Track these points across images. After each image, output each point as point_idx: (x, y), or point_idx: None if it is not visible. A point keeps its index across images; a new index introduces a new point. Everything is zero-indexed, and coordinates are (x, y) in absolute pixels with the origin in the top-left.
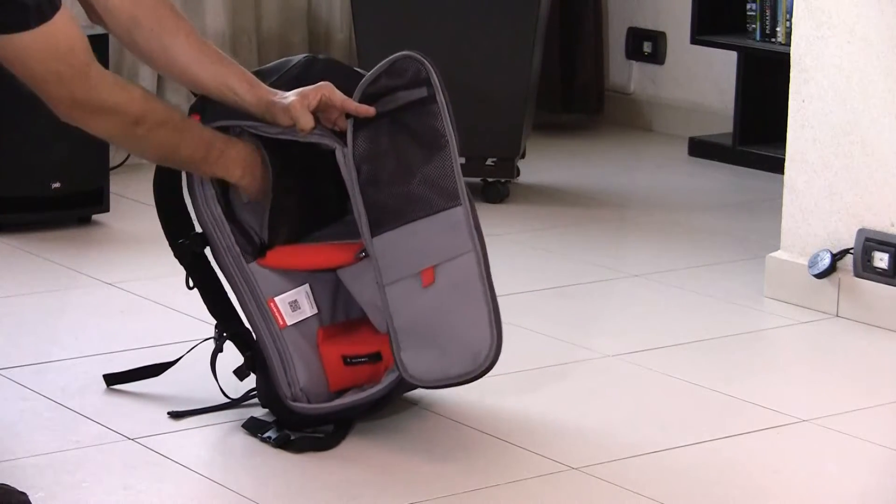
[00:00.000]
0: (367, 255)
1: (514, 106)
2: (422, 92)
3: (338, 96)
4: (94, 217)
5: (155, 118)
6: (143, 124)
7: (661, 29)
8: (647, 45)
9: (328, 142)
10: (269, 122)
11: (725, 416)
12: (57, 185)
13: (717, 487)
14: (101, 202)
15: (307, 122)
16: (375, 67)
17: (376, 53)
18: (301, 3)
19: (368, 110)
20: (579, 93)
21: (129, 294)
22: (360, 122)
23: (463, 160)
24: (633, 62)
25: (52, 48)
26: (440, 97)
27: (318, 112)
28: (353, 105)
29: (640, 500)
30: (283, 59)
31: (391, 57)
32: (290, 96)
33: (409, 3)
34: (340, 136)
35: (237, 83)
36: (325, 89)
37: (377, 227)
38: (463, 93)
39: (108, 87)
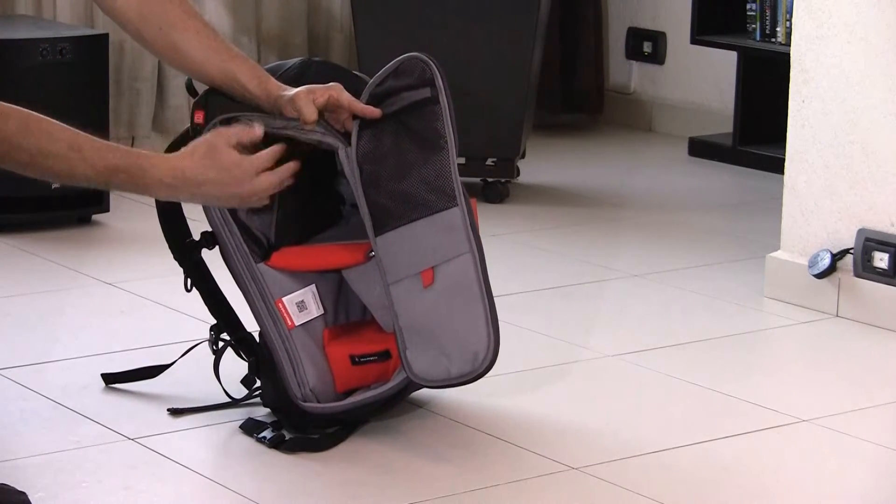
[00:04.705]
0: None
1: (514, 106)
2: (425, 92)
3: (346, 97)
4: (94, 217)
5: (30, 151)
6: (20, 155)
7: (661, 29)
8: (647, 45)
9: (331, 141)
10: (275, 115)
11: (725, 416)
12: (57, 185)
13: (717, 487)
14: (101, 202)
15: (310, 113)
16: (383, 69)
17: (376, 53)
18: (301, 3)
19: (374, 112)
20: (579, 93)
21: (129, 294)
22: (365, 123)
23: (463, 160)
24: (633, 62)
25: None
26: (443, 98)
27: (327, 112)
28: (360, 106)
29: (640, 500)
30: (278, 62)
31: (399, 58)
32: (299, 90)
33: (409, 4)
34: (345, 135)
35: (246, 78)
36: (334, 90)
37: (380, 227)
38: (463, 93)
39: None
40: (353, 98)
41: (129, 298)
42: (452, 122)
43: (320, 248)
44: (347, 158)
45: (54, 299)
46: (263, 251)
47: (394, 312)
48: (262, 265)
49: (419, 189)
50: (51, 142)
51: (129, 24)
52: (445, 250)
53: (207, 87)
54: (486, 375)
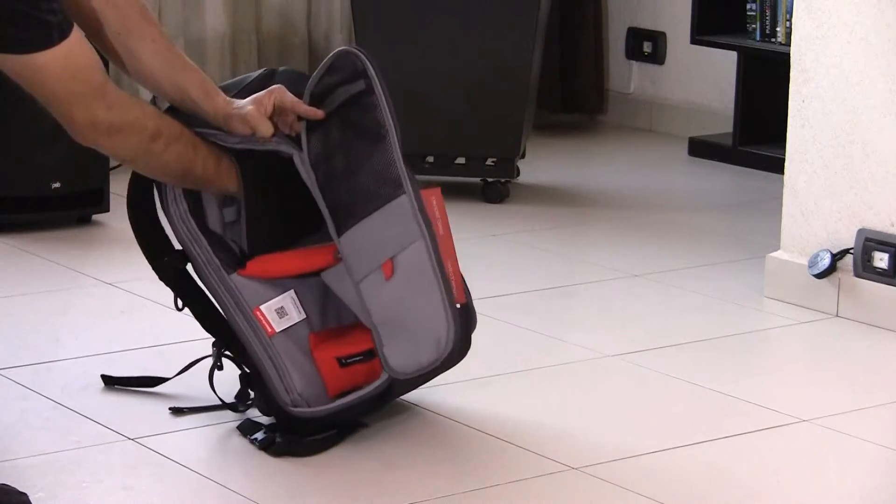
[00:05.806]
0: None
1: (514, 106)
2: (360, 85)
3: (288, 99)
4: (94, 217)
5: (170, 132)
6: (160, 139)
7: (661, 29)
8: (647, 45)
9: (286, 149)
10: (227, 132)
11: (725, 417)
12: (57, 185)
13: (717, 487)
14: (101, 202)
15: (266, 129)
16: (318, 68)
17: (376, 54)
18: (301, 5)
19: (317, 113)
20: (579, 93)
21: (129, 294)
22: (311, 125)
23: (463, 160)
24: (633, 62)
25: (71, 66)
26: (377, 87)
27: (274, 116)
28: (303, 107)
29: (640, 500)
30: (241, 76)
31: (330, 55)
32: (247, 105)
33: (409, 4)
34: (297, 140)
35: (195, 92)
36: (276, 92)
37: (341, 227)
38: (463, 93)
39: (125, 104)
40: (296, 99)
41: (129, 298)
42: (390, 109)
43: (291, 253)
44: (302, 163)
45: (54, 299)
46: (236, 260)
47: (366, 310)
48: (235, 275)
49: (370, 182)
50: (180, 125)
51: (89, 25)
52: (399, 239)
53: (166, 107)
54: (487, 375)
